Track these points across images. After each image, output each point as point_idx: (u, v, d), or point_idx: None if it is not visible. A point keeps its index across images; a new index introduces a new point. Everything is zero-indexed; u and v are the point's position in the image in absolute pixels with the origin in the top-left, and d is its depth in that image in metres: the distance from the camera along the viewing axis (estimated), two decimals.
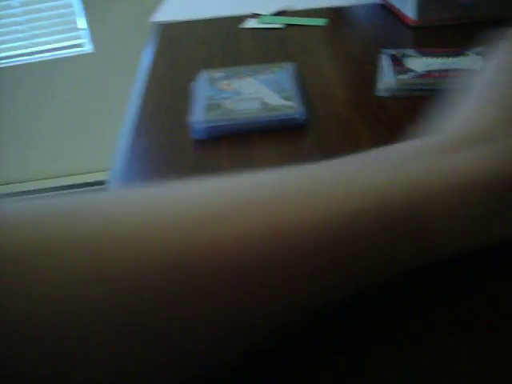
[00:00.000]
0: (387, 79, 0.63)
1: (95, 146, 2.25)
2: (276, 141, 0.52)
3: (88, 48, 2.05)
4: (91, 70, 2.07)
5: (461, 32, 0.78)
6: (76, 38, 2.04)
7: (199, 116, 0.55)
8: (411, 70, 0.63)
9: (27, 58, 2.08)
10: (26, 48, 2.05)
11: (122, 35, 2.01)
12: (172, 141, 0.55)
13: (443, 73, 0.62)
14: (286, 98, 0.57)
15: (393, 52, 0.69)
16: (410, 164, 0.25)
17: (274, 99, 0.56)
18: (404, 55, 0.68)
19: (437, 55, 0.67)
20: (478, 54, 0.66)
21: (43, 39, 2.03)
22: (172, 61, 0.78)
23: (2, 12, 2.03)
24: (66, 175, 2.25)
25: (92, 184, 2.22)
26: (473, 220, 0.25)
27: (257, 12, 0.92)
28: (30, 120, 2.16)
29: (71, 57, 2.07)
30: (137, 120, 0.61)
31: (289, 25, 0.87)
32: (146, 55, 0.84)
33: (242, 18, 0.92)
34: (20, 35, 2.01)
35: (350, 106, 0.58)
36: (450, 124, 0.30)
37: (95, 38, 2.03)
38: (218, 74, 0.65)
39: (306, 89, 0.62)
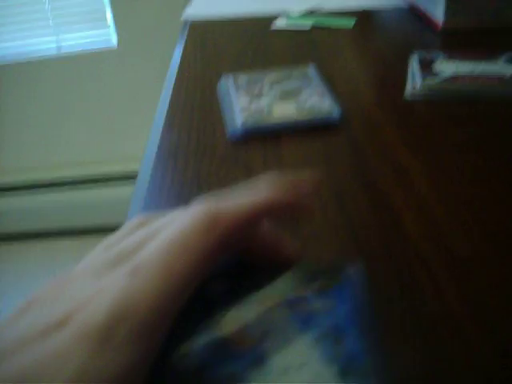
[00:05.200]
0: (415, 82, 0.64)
1: (118, 140, 2.27)
2: (307, 140, 0.54)
3: (113, 44, 2.07)
4: (115, 66, 2.09)
5: (489, 37, 0.78)
6: (104, 33, 2.06)
7: (234, 119, 0.56)
8: (439, 74, 0.64)
9: (54, 52, 2.10)
10: (53, 42, 2.07)
11: (146, 32, 2.02)
12: (202, 137, 0.56)
13: (471, 77, 0.63)
14: (320, 99, 0.58)
15: (422, 55, 0.70)
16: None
17: (308, 101, 0.58)
18: (433, 58, 0.69)
19: (466, 59, 0.68)
20: (507, 60, 0.66)
21: (71, 35, 2.05)
22: (201, 58, 0.79)
23: (31, 8, 2.06)
24: (93, 166, 2.27)
25: (122, 178, 2.24)
26: None
27: (285, 10, 0.93)
28: (54, 114, 2.19)
29: (96, 52, 2.09)
30: (167, 115, 0.63)
31: (317, 27, 0.88)
32: (175, 52, 0.86)
33: (270, 19, 0.93)
34: (49, 30, 2.04)
35: (379, 108, 0.59)
36: None
37: (120, 33, 2.05)
38: (242, 77, 0.67)
39: (335, 89, 0.63)
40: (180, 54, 0.83)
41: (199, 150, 0.54)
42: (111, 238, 0.30)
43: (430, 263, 0.38)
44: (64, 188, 2.28)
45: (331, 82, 0.66)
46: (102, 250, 0.29)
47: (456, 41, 0.79)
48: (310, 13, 0.93)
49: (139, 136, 2.15)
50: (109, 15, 2.06)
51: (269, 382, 0.30)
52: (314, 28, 0.87)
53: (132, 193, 0.52)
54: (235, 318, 0.34)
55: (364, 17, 0.93)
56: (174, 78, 0.74)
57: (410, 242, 0.40)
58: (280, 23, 0.90)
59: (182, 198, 0.47)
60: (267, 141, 0.54)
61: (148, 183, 0.50)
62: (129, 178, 2.19)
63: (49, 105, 2.17)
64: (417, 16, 0.91)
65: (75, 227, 2.37)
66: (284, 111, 0.56)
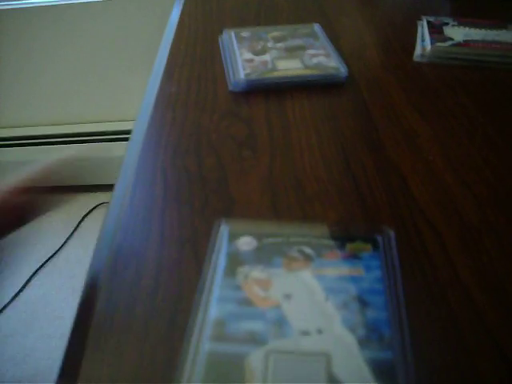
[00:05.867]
0: (425, 45, 0.61)
1: (112, 97, 2.23)
2: (312, 97, 0.52)
3: None
4: (111, 18, 2.04)
5: (499, 6, 0.76)
6: None
7: (236, 72, 0.54)
8: (450, 39, 0.62)
9: (47, 1, 2.04)
10: None
11: None
12: (203, 89, 0.54)
13: (482, 44, 0.60)
14: (326, 57, 0.56)
15: (432, 19, 0.68)
16: None
17: (314, 59, 0.55)
18: (443, 23, 0.66)
19: (476, 26, 0.65)
20: None
21: None
22: (203, 12, 0.76)
23: None
24: (85, 122, 2.23)
25: (116, 133, 2.20)
26: None
27: None
28: (45, 67, 2.14)
29: (92, 3, 2.03)
30: (166, 67, 0.60)
31: None
32: (175, 4, 0.82)
33: None
34: None
35: (386, 69, 0.57)
36: None
37: None
38: (244, 33, 0.64)
39: (341, 49, 0.61)
40: (180, 7, 0.80)
41: (199, 102, 0.51)
42: None
43: (440, 229, 0.36)
44: (54, 145, 2.24)
45: (337, 41, 0.63)
46: None
47: (466, 8, 0.76)
48: None
49: (135, 93, 2.11)
50: None
51: (288, 343, 0.29)
52: None
53: (127, 146, 0.50)
54: (260, 277, 0.33)
55: None
56: (173, 31, 0.71)
57: (418, 207, 0.38)
58: None
59: (179, 151, 0.45)
60: (270, 96, 0.52)
61: (144, 135, 0.48)
62: (122, 135, 2.15)
63: (40, 58, 2.12)
64: None
65: (65, 184, 2.35)
66: (289, 66, 0.54)
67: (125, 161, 0.46)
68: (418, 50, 0.61)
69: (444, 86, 0.54)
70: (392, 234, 0.35)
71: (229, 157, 0.43)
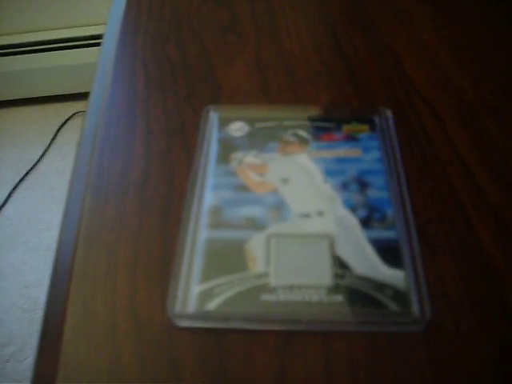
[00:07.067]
0: None
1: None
2: None
3: None
4: None
5: None
6: None
7: None
8: None
9: None
10: None
11: None
12: None
13: None
14: None
15: None
16: None
17: None
18: None
19: None
20: None
21: None
22: None
23: None
24: (57, 28, 2.14)
25: (89, 38, 2.10)
26: None
27: None
28: None
29: None
30: None
31: None
32: None
33: None
34: None
35: None
36: None
37: None
38: None
39: None
40: None
41: None
42: None
43: (438, 108, 0.35)
44: (23, 54, 2.15)
45: None
46: None
47: None
48: None
49: None
50: None
51: (289, 226, 0.28)
52: None
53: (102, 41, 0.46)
54: (255, 162, 0.31)
55: None
56: None
57: (414, 86, 0.37)
58: None
59: (159, 40, 0.42)
60: None
61: (120, 27, 0.45)
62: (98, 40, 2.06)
63: None
64: None
65: (38, 95, 2.28)
66: None
67: (101, 56, 0.44)
68: None
69: None
70: (389, 113, 0.33)
71: (212, 43, 0.41)
